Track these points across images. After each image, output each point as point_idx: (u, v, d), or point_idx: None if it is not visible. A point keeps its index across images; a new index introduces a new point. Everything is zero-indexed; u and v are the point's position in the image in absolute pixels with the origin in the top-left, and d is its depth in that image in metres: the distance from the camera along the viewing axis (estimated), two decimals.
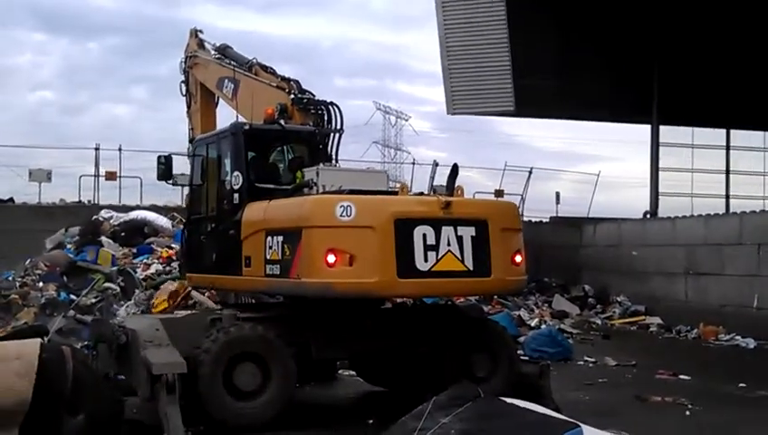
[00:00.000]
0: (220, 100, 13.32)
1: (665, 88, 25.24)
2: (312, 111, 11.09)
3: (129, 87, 75.13)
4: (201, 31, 14.16)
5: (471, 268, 9.33)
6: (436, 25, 23.60)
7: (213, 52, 13.62)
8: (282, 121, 10.88)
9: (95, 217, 21.07)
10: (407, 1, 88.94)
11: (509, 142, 56.78)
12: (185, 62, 14.17)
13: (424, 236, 9.12)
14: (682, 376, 13.48)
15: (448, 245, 9.22)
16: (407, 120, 60.73)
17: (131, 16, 74.05)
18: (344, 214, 8.88)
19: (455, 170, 10.35)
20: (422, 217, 9.22)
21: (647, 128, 26.70)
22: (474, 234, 9.37)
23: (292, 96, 11.23)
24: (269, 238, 9.57)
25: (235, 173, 10.42)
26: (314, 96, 11.32)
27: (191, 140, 12.83)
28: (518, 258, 9.87)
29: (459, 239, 9.28)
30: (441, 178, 25.80)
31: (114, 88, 76.30)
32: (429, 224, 9.18)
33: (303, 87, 11.43)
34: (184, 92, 14.18)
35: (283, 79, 11.76)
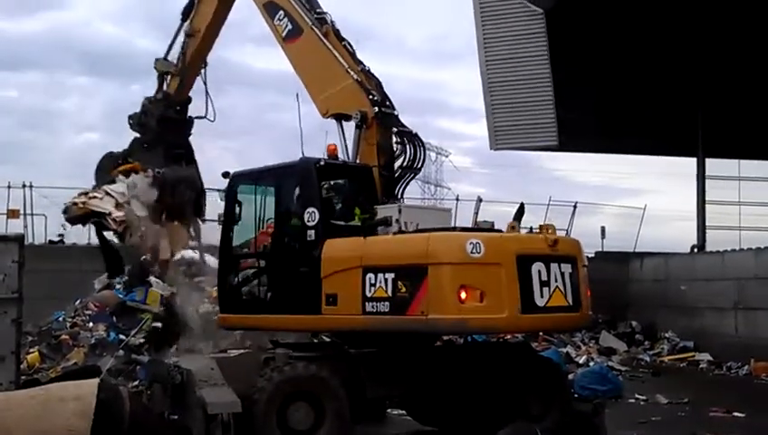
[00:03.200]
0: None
1: (709, 120, 25.07)
2: (398, 142, 10.72)
3: None
4: None
5: (571, 304, 9.65)
6: (478, 61, 23.71)
7: None
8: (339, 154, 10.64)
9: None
10: (444, 37, 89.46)
11: (550, 177, 56.49)
12: None
13: (539, 272, 9.37)
14: (736, 413, 13.27)
15: (556, 281, 9.50)
16: (447, 157, 60.70)
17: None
18: (474, 251, 8.98)
19: (521, 210, 10.37)
20: (537, 254, 9.46)
21: (692, 160, 26.47)
22: (570, 270, 9.70)
23: (377, 109, 10.72)
24: (369, 276, 9.43)
25: (310, 209, 10.13)
26: (395, 111, 10.78)
27: (225, 175, 11.40)
28: (588, 293, 10.11)
29: (562, 275, 9.58)
30: (483, 214, 25.91)
31: None
32: (542, 261, 9.43)
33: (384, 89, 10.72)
34: None
35: (364, 71, 11.07)
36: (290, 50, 11.58)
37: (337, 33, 11.33)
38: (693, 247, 25.38)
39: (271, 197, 10.89)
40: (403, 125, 10.83)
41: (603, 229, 29.62)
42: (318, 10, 11.63)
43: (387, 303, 9.27)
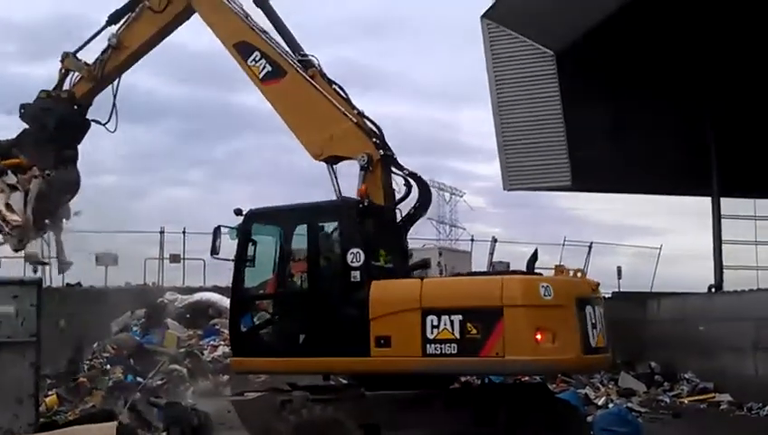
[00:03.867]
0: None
1: (724, 159, 25.05)
2: (405, 183, 10.71)
3: (187, 170, 76.68)
4: None
5: (604, 345, 10.04)
6: (490, 102, 23.90)
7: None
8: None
9: (160, 299, 21.39)
10: (457, 78, 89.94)
11: (566, 216, 56.35)
12: None
13: (590, 314, 9.76)
14: None
15: (599, 323, 9.90)
16: (461, 197, 60.87)
17: (187, 101, 76.04)
18: (546, 294, 9.24)
19: (535, 255, 10.45)
20: (587, 297, 9.91)
21: (707, 200, 26.44)
22: (602, 312, 10.08)
23: (382, 152, 10.68)
24: (431, 317, 9.42)
25: (354, 250, 9.95)
26: (394, 153, 10.77)
27: (238, 212, 10.78)
28: None
29: (601, 317, 9.99)
30: (498, 255, 25.93)
31: (173, 171, 77.96)
32: (590, 304, 9.84)
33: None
34: None
35: (361, 113, 10.99)
36: (270, 92, 11.29)
37: (325, 76, 11.25)
38: (710, 287, 25.23)
39: (298, 236, 10.61)
40: (403, 167, 10.83)
41: (620, 269, 29.54)
42: (302, 52, 11.50)
43: (454, 344, 9.31)
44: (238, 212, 10.66)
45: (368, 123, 10.89)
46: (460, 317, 9.29)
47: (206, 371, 17.07)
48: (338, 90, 11.19)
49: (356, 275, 9.95)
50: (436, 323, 9.38)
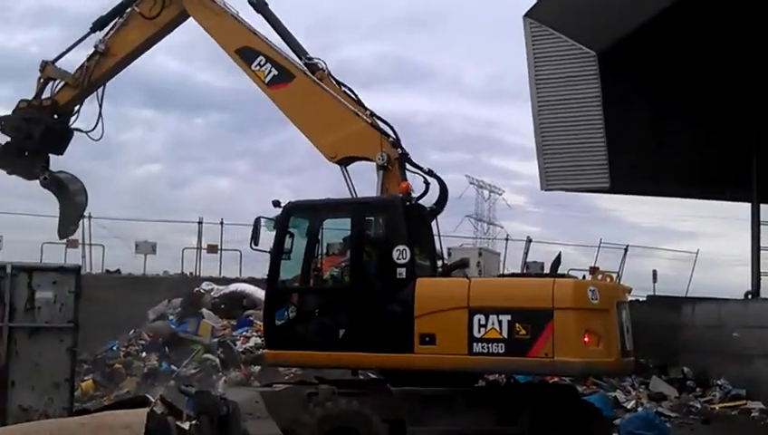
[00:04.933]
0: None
1: (765, 165, 24.73)
2: (424, 181, 10.87)
3: (232, 161, 77.50)
4: None
5: (630, 349, 10.32)
6: (530, 102, 23.83)
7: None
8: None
9: (196, 289, 21.71)
10: (501, 76, 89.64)
11: (605, 217, 56.02)
12: None
13: (625, 319, 10.20)
14: None
15: (628, 327, 10.28)
16: (500, 195, 60.73)
17: (234, 93, 76.81)
18: (594, 298, 9.58)
19: (557, 261, 10.61)
20: (623, 301, 10.38)
21: (747, 205, 26.14)
22: (628, 316, 10.41)
23: (400, 151, 10.82)
24: (478, 317, 9.64)
25: (400, 247, 10.08)
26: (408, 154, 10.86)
27: (276, 204, 10.83)
28: None
29: (629, 322, 10.35)
30: (533, 255, 25.86)
31: (217, 161, 78.92)
32: (624, 308, 10.28)
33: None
34: None
35: (372, 114, 10.99)
36: (278, 96, 11.30)
37: (333, 78, 11.25)
38: (747, 294, 24.96)
39: (339, 231, 10.76)
40: (420, 166, 10.96)
41: (655, 273, 29.39)
42: (308, 56, 11.50)
43: (501, 344, 9.54)
44: (276, 204, 10.73)
45: (380, 123, 10.93)
46: (509, 317, 9.50)
47: (238, 361, 17.32)
48: (347, 91, 11.23)
49: (401, 271, 10.08)
50: (483, 322, 9.58)
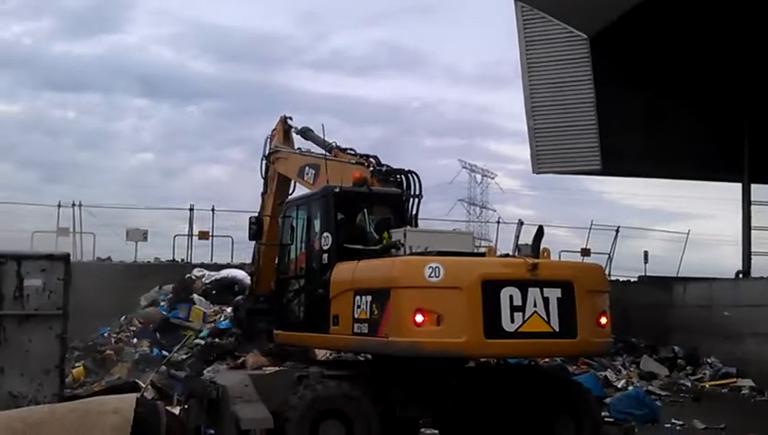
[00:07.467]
0: (297, 185, 13.85)
1: (756, 145, 24.78)
2: (392, 180, 11.58)
3: (225, 149, 77.57)
4: (290, 118, 14.96)
5: (557, 330, 9.45)
6: (522, 85, 23.82)
7: (295, 135, 14.66)
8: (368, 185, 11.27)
9: (188, 275, 21.70)
10: (495, 61, 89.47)
11: (597, 200, 56.10)
12: (267, 151, 14.88)
13: (510, 297, 9.30)
14: None
15: (534, 306, 9.37)
16: (493, 178, 60.83)
17: (227, 81, 76.67)
18: (432, 275, 9.10)
19: (540, 233, 10.41)
20: (509, 279, 9.41)
21: (738, 186, 26.20)
22: (560, 295, 9.50)
23: (371, 169, 11.76)
24: (357, 298, 9.82)
25: (325, 234, 10.79)
26: (391, 168, 11.85)
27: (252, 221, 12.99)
28: (603, 320, 9.97)
29: (545, 301, 9.43)
30: (526, 237, 25.87)
31: (211, 150, 78.90)
32: (516, 285, 9.35)
33: (381, 161, 12.03)
34: (263, 175, 14.85)
35: (362, 156, 12.39)
36: (319, 184, 12.41)
37: (341, 148, 12.91)
38: (738, 273, 25.08)
39: (304, 223, 11.62)
40: (394, 169, 11.82)
41: (646, 254, 29.48)
42: (326, 144, 13.30)
43: (366, 324, 9.67)
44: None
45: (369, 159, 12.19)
46: (370, 298, 9.61)
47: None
48: (348, 150, 12.83)
49: (325, 257, 10.74)
50: (359, 303, 9.78)
